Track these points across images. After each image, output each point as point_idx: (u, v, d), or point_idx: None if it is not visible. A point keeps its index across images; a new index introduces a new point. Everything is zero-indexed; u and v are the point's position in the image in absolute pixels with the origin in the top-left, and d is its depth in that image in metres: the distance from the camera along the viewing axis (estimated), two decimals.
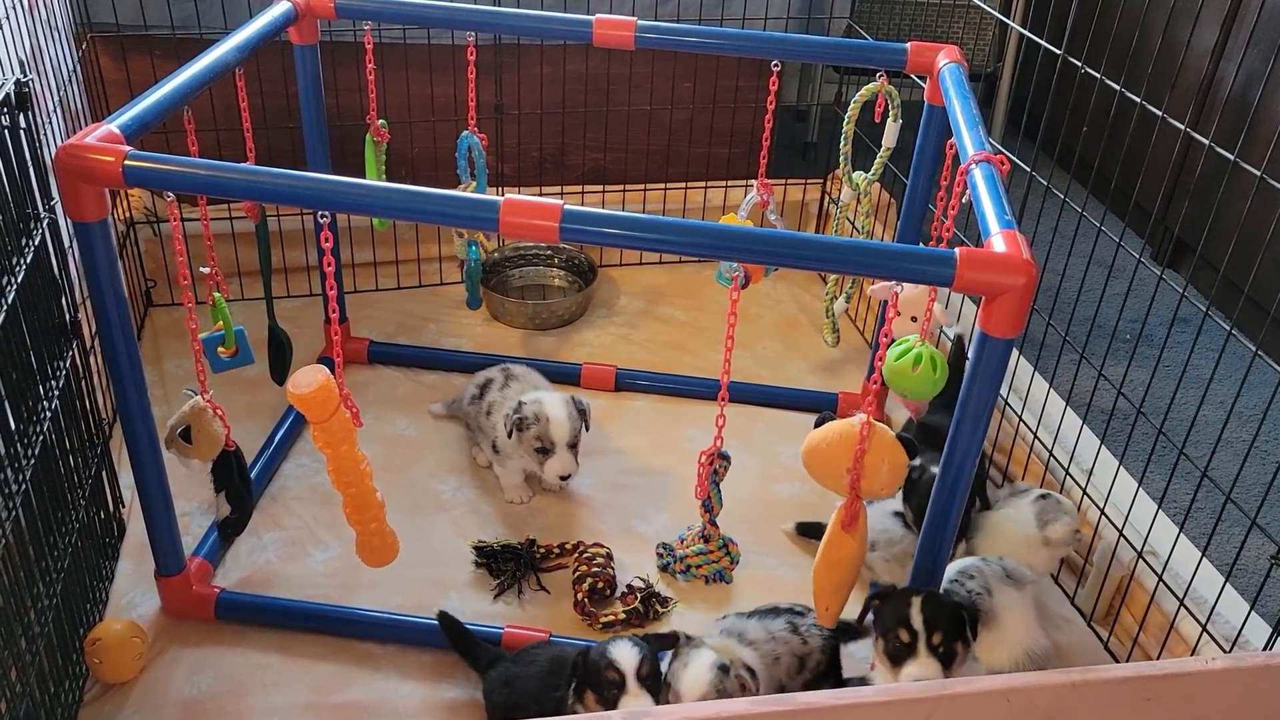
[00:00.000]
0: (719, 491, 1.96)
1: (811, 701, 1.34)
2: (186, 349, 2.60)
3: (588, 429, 2.14)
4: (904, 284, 1.91)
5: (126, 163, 1.44)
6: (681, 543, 2.08)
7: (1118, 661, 1.87)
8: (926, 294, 1.90)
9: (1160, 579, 1.83)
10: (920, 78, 2.15)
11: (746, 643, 1.68)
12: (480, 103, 2.39)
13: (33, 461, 1.55)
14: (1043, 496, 1.94)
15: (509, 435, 2.09)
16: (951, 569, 1.80)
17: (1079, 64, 1.94)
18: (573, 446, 2.09)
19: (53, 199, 1.76)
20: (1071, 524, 1.90)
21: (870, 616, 1.59)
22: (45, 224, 1.72)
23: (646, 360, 2.70)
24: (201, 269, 1.94)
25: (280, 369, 2.25)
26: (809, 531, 2.13)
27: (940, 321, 1.97)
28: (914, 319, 2.00)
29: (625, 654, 1.52)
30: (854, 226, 2.47)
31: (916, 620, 1.49)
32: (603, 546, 2.07)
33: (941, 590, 1.69)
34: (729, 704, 1.35)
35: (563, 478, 2.09)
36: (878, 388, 1.58)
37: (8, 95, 1.58)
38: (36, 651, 1.51)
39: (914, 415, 2.23)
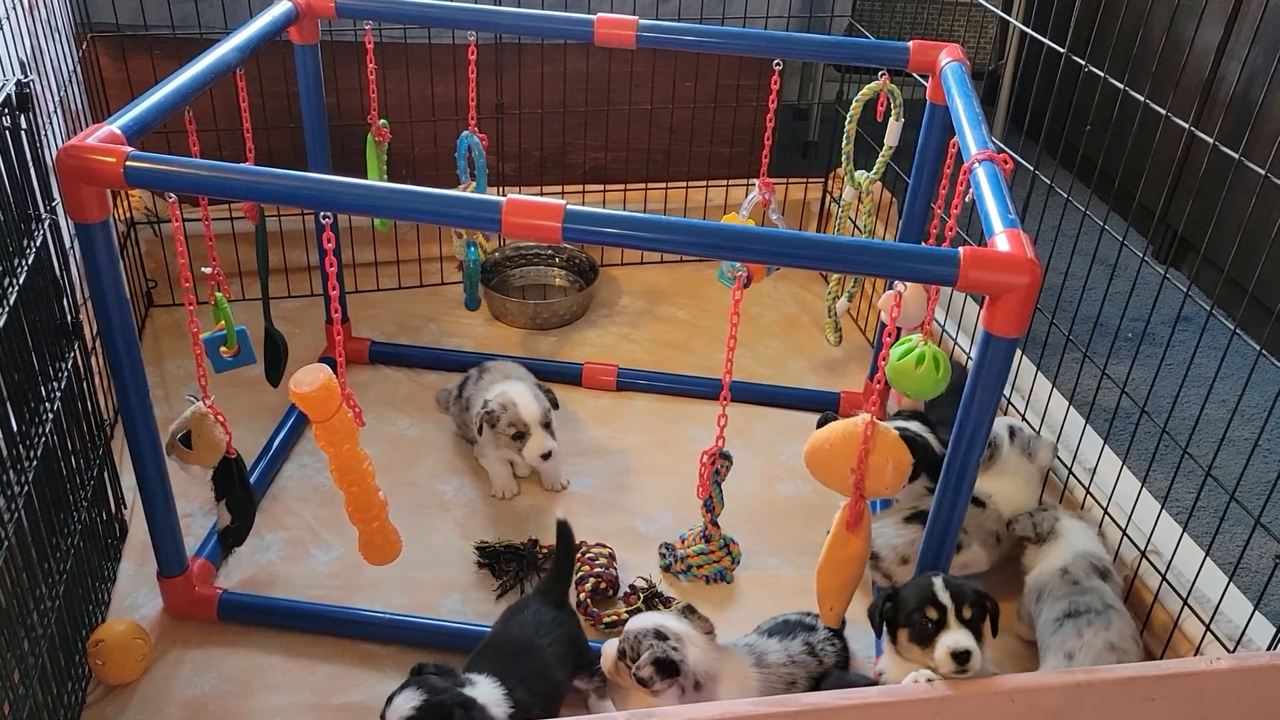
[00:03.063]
0: (720, 491, 1.96)
1: (816, 702, 1.34)
2: (188, 349, 2.59)
3: (556, 407, 2.17)
4: (906, 285, 1.91)
5: (128, 163, 1.44)
6: (682, 542, 2.08)
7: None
8: (923, 292, 1.89)
9: (1164, 578, 1.82)
10: (922, 76, 2.14)
11: (764, 665, 1.66)
12: (481, 102, 2.38)
13: (35, 463, 1.55)
14: (1011, 433, 2.05)
15: (480, 432, 2.14)
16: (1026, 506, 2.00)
17: (1082, 62, 1.94)
18: (546, 426, 2.12)
19: (54, 200, 1.75)
20: (1050, 440, 2.07)
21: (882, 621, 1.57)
22: (47, 225, 1.72)
23: (648, 360, 2.70)
24: (203, 269, 1.94)
25: (275, 371, 2.25)
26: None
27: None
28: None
29: (397, 708, 1.48)
30: (856, 226, 2.47)
31: (943, 595, 1.49)
32: (605, 546, 2.07)
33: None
34: (733, 705, 1.36)
35: (543, 456, 2.11)
36: (880, 387, 1.57)
37: (9, 96, 1.58)
38: (39, 653, 1.51)
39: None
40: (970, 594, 1.50)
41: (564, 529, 1.79)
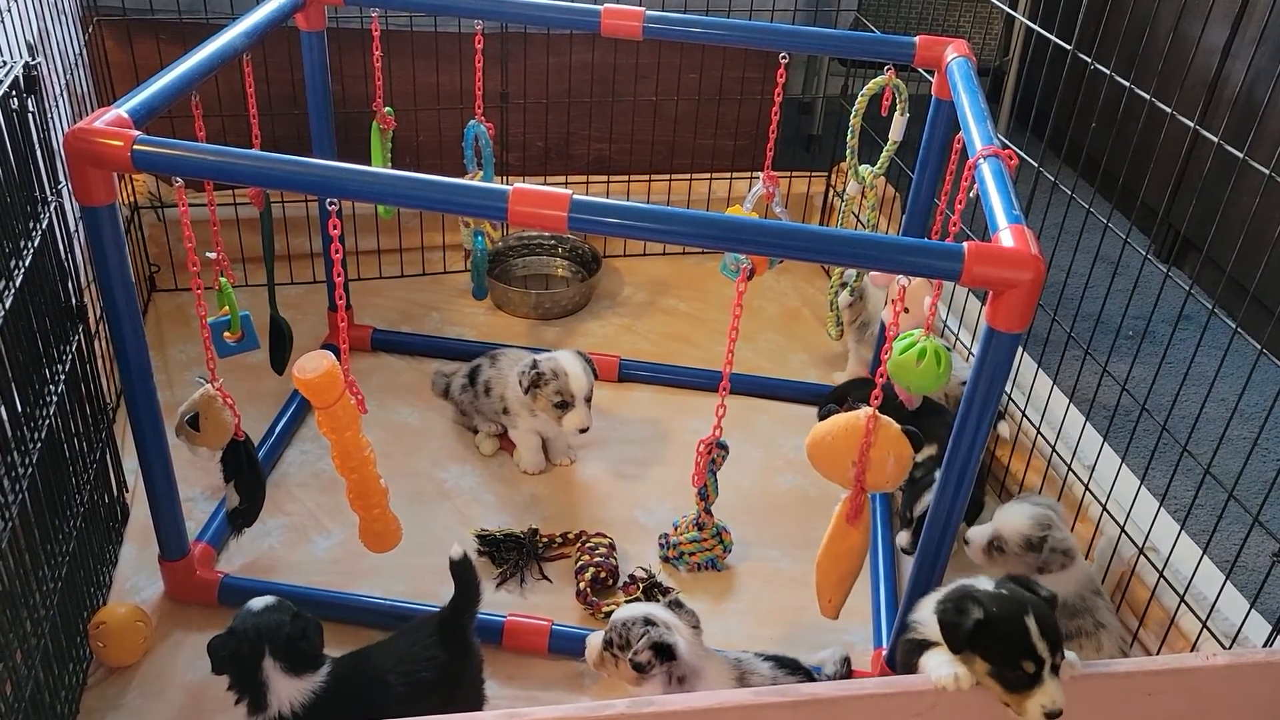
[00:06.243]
0: (715, 480, 1.96)
1: (814, 693, 1.34)
2: (190, 334, 2.60)
3: (596, 378, 2.18)
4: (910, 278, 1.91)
5: (135, 147, 1.44)
6: (676, 529, 2.08)
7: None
8: (926, 287, 1.90)
9: (1161, 575, 1.83)
10: (928, 71, 2.14)
11: (746, 684, 1.60)
12: (485, 91, 2.38)
13: (39, 444, 1.56)
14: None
15: (525, 391, 2.12)
16: (1023, 518, 1.80)
17: (1087, 59, 1.94)
18: (588, 400, 2.12)
19: (59, 182, 1.75)
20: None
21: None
22: (52, 208, 1.72)
23: (649, 351, 2.70)
24: (208, 254, 1.94)
25: (280, 358, 2.25)
26: None
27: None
28: (907, 310, 1.98)
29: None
30: (859, 220, 2.47)
31: (1041, 647, 1.33)
32: (605, 536, 2.08)
33: (1038, 544, 1.76)
34: (732, 694, 1.36)
35: (581, 430, 2.12)
36: (882, 381, 1.58)
37: (16, 79, 1.58)
38: (41, 634, 1.52)
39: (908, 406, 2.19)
40: (1057, 631, 1.36)
41: (464, 564, 1.65)
